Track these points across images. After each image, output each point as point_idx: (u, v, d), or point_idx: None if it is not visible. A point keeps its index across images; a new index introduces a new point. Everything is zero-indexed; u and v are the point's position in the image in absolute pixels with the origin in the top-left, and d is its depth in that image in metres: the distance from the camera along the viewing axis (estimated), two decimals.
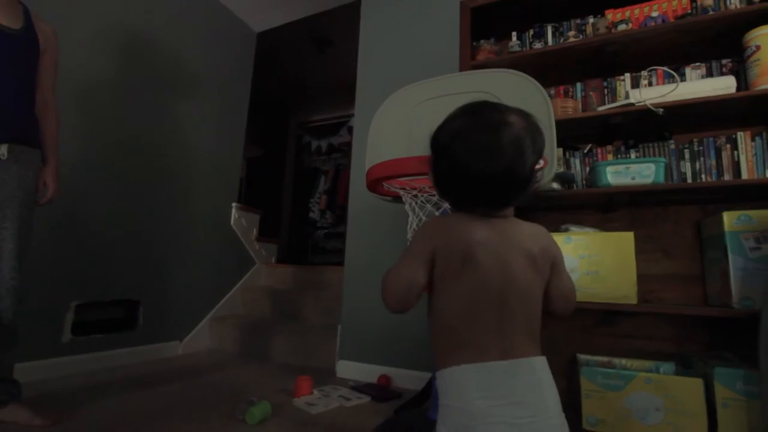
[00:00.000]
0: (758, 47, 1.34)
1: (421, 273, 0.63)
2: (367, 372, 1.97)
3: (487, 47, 1.75)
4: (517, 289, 0.60)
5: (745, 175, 1.40)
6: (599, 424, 1.26)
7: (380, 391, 1.73)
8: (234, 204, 2.94)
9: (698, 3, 1.51)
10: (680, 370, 1.33)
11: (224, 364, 2.22)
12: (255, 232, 3.15)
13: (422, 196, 1.19)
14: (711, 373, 1.19)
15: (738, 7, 1.45)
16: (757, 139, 1.40)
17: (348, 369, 2.03)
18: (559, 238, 1.42)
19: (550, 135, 1.14)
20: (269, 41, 3.39)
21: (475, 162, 0.60)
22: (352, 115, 5.07)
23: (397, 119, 1.32)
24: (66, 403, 1.44)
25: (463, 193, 0.64)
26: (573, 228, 1.47)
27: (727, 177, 1.43)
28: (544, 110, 1.16)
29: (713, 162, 1.45)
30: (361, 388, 1.78)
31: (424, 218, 1.16)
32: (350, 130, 5.18)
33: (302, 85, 4.79)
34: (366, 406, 1.58)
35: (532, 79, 1.18)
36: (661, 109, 1.36)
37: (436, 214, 1.19)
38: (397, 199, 1.36)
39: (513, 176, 0.59)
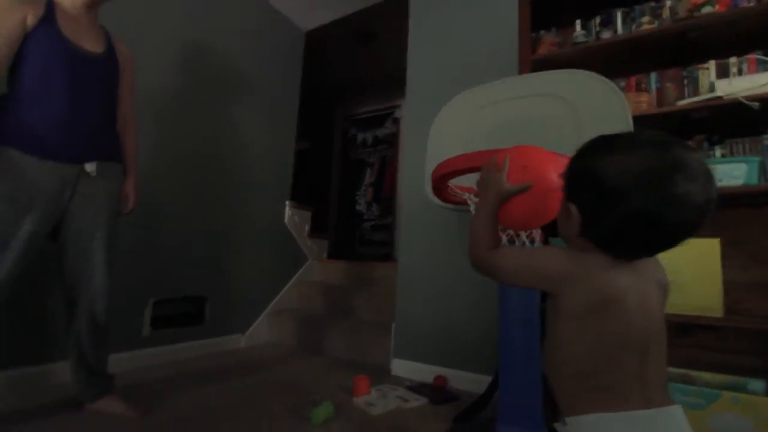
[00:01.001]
0: None
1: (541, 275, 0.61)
2: (422, 371, 1.98)
3: (548, 39, 1.65)
4: (656, 330, 0.58)
5: None
6: None
7: (437, 392, 1.74)
8: (287, 202, 3.04)
9: None
10: None
11: (284, 357, 2.33)
12: (307, 228, 3.25)
13: None
14: None
15: None
16: None
17: (402, 367, 2.06)
18: None
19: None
20: (315, 37, 3.43)
21: (670, 214, 0.50)
22: (397, 106, 5.10)
23: (458, 125, 1.29)
24: (149, 395, 1.59)
25: (634, 242, 0.55)
26: None
27: None
28: (620, 113, 1.08)
29: None
30: (417, 388, 1.80)
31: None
32: (395, 121, 5.16)
33: (347, 78, 4.82)
34: (424, 409, 1.60)
35: (604, 79, 1.10)
36: (757, 103, 1.22)
37: None
38: (462, 205, 1.33)
39: (701, 222, 0.52)
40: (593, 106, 1.10)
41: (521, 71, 1.61)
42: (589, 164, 0.56)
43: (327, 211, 4.96)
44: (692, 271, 1.26)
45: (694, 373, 1.32)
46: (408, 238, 2.20)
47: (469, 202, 1.13)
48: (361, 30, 3.69)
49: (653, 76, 1.55)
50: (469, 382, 1.83)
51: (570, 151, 1.14)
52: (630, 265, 0.57)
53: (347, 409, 1.54)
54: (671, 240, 0.53)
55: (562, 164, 0.70)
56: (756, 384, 1.23)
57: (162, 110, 2.17)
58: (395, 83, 4.78)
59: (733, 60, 1.43)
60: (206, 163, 2.41)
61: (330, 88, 5.06)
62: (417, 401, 1.65)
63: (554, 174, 0.68)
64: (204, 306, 2.38)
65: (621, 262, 0.56)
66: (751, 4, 1.32)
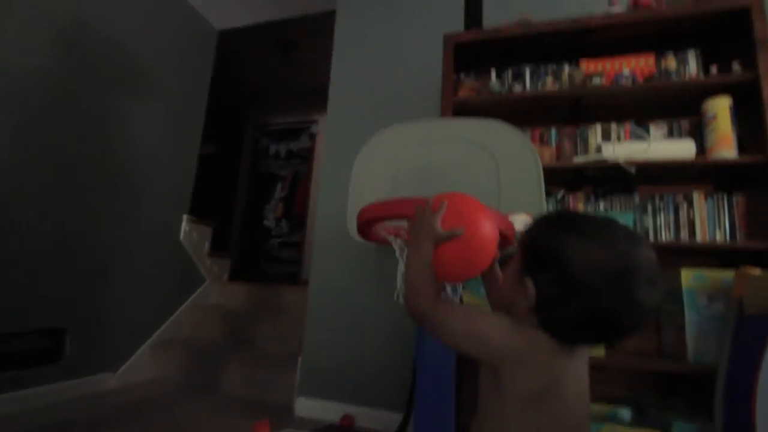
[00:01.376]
0: (715, 116, 1.45)
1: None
2: (328, 410, 1.87)
3: (468, 84, 1.75)
4: (587, 412, 0.59)
5: (698, 232, 1.51)
6: None
7: None
8: (185, 216, 2.70)
9: (663, 65, 1.61)
10: (637, 417, 1.40)
11: (168, 398, 2.01)
12: (207, 246, 2.92)
13: None
14: (668, 426, 1.25)
15: (696, 75, 1.56)
16: (709, 199, 1.51)
17: (307, 407, 1.93)
18: None
19: (539, 191, 1.15)
20: (231, 38, 3.18)
21: (630, 316, 0.51)
22: (315, 121, 4.99)
23: (383, 161, 1.26)
24: None
25: (586, 335, 0.54)
26: None
27: (684, 233, 1.52)
28: (533, 166, 1.16)
29: (671, 218, 1.55)
30: (323, 431, 1.68)
31: None
32: (312, 136, 5.04)
33: (263, 85, 4.57)
34: None
35: (523, 136, 1.17)
36: (633, 168, 1.42)
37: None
38: (386, 244, 1.29)
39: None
40: (511, 157, 1.16)
41: (444, 111, 1.67)
42: (556, 244, 0.54)
43: (231, 227, 4.56)
44: None
45: None
46: (321, 262, 2.09)
47: (394, 245, 1.10)
48: (281, 38, 3.54)
49: (553, 130, 1.74)
50: (377, 420, 1.78)
51: (488, 199, 1.19)
52: (570, 348, 0.57)
53: None
54: (620, 337, 0.53)
55: (497, 217, 0.71)
56: (624, 412, 1.40)
57: (27, 100, 1.76)
58: (314, 97, 4.69)
59: (614, 126, 1.67)
60: (85, 165, 2.01)
61: (243, 94, 4.75)
62: None
63: (489, 225, 0.66)
64: (63, 339, 1.95)
65: (563, 346, 0.56)
66: (628, 84, 1.55)
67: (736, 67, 1.44)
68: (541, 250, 0.56)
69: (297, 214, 5.07)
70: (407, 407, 1.55)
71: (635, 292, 0.49)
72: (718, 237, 1.48)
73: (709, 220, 1.51)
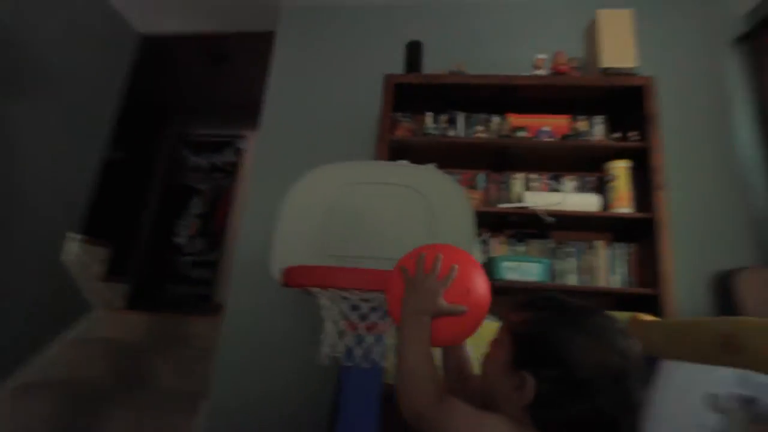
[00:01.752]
0: (616, 176, 1.65)
1: None
2: None
3: (405, 124, 1.78)
4: None
5: (599, 275, 1.67)
6: None
7: None
8: (74, 235, 2.32)
9: (576, 127, 1.80)
10: None
11: None
12: (99, 269, 2.53)
13: (351, 298, 1.04)
14: None
15: (602, 138, 1.77)
16: (609, 248, 1.70)
17: None
18: None
19: (471, 238, 1.17)
20: (157, 44, 2.90)
21: (627, 416, 0.49)
22: (242, 136, 4.73)
23: (316, 201, 1.19)
24: None
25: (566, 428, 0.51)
26: None
27: (587, 277, 1.68)
28: (466, 218, 1.18)
29: (578, 262, 1.70)
30: None
31: (343, 325, 1.02)
32: (238, 151, 4.77)
33: (187, 95, 4.24)
34: None
35: (460, 188, 1.20)
36: (551, 218, 1.54)
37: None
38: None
39: None
40: (446, 207, 1.18)
41: (379, 148, 1.67)
42: (561, 341, 0.51)
43: (134, 246, 4.03)
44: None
45: None
46: (239, 287, 1.92)
47: (321, 300, 1.01)
48: (214, 50, 3.33)
49: (481, 176, 1.83)
50: None
51: (421, 238, 1.19)
52: None
53: None
54: None
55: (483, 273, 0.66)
56: None
57: None
58: (243, 112, 4.45)
59: (533, 176, 1.81)
60: None
61: (166, 101, 4.35)
62: None
63: (487, 287, 0.63)
64: None
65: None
66: (548, 140, 1.71)
67: (633, 136, 1.66)
68: (542, 345, 0.52)
69: (215, 231, 4.70)
70: None
71: (632, 392, 0.49)
72: (615, 282, 1.66)
73: (608, 266, 1.68)
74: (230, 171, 4.96)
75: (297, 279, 0.82)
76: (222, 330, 1.87)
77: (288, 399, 1.74)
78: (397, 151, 1.76)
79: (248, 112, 4.49)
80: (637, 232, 1.67)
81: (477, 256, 1.15)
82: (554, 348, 0.51)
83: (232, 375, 1.80)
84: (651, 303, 1.49)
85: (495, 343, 0.58)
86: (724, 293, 1.70)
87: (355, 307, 0.98)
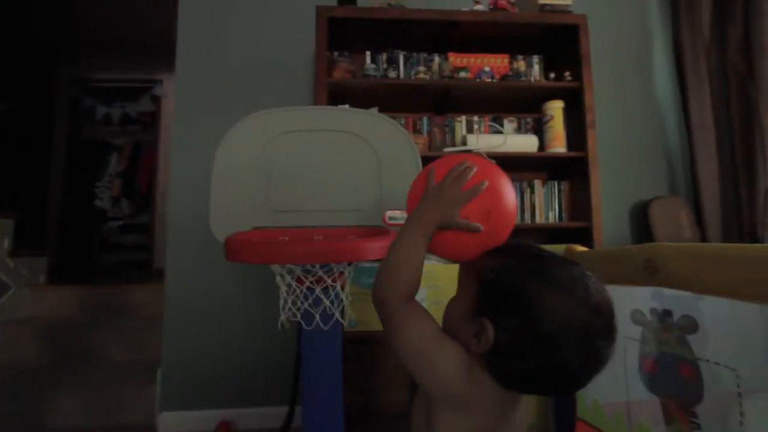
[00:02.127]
0: (552, 117, 1.70)
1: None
2: (202, 421, 1.67)
3: (343, 65, 1.66)
4: None
5: (537, 213, 1.78)
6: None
7: None
8: None
9: (515, 66, 1.80)
10: None
11: None
12: (7, 244, 2.22)
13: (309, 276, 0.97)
14: None
15: (539, 79, 1.79)
16: (545, 187, 1.79)
17: (175, 422, 1.68)
18: None
19: None
20: None
21: (586, 372, 0.47)
22: (158, 81, 4.18)
23: (252, 153, 1.10)
24: None
25: (538, 387, 0.49)
26: None
27: (527, 214, 1.78)
28: (413, 162, 1.16)
29: (519, 201, 1.78)
30: None
31: (303, 296, 0.97)
32: (155, 99, 4.25)
33: (80, 29, 3.57)
34: None
35: (405, 132, 1.16)
36: (493, 160, 1.57)
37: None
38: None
39: None
40: (392, 153, 1.14)
41: (318, 92, 1.55)
42: (529, 292, 0.47)
43: (44, 214, 3.55)
44: (451, 292, 1.53)
45: None
46: (177, 252, 1.79)
47: (277, 275, 0.94)
48: None
49: (425, 119, 1.79)
50: (261, 419, 1.67)
51: (370, 196, 1.16)
52: (515, 396, 0.52)
53: None
54: (576, 390, 0.51)
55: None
56: None
57: None
58: (157, 53, 3.91)
59: (476, 118, 1.81)
60: None
61: (54, 39, 3.65)
62: None
63: (508, 214, 0.58)
64: None
65: (510, 393, 0.51)
66: (489, 80, 1.69)
67: (567, 76, 1.69)
68: (508, 295, 0.49)
69: (141, 191, 4.30)
70: (292, 399, 1.48)
71: (599, 347, 0.46)
72: (551, 218, 1.78)
73: (545, 203, 1.79)
74: (148, 122, 4.44)
75: (240, 255, 0.75)
76: (165, 296, 1.76)
77: (242, 360, 1.72)
78: (335, 94, 1.65)
79: (164, 53, 3.95)
80: (569, 170, 1.77)
81: None
82: (519, 297, 0.48)
83: (182, 341, 1.73)
84: (582, 235, 1.63)
85: (461, 286, 0.56)
86: (641, 221, 1.90)
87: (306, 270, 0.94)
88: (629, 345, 1.03)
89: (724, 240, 1.77)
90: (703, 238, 1.80)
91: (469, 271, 0.55)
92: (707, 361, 0.84)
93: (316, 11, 1.60)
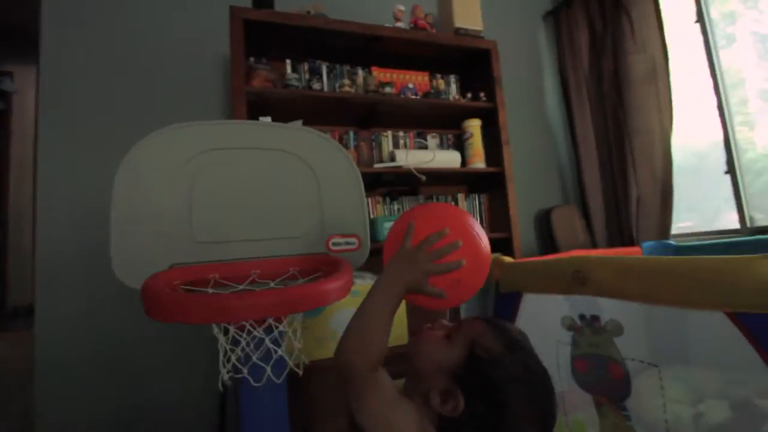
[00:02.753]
0: (471, 134, 1.80)
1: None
2: None
3: (263, 73, 1.52)
4: None
5: None
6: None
7: None
8: None
9: (435, 84, 1.86)
10: None
11: None
12: None
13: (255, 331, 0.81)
14: None
15: (457, 97, 1.88)
16: (468, 199, 1.89)
17: None
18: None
19: (363, 211, 1.10)
20: None
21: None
22: (7, 73, 3.38)
23: (168, 174, 0.92)
24: None
25: None
26: (357, 280, 1.50)
27: None
28: (355, 183, 1.10)
29: None
30: None
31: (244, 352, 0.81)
32: (4, 95, 3.45)
33: None
34: None
35: (343, 149, 1.09)
36: (424, 177, 1.59)
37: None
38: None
39: None
40: (331, 173, 1.06)
41: (235, 102, 1.39)
42: (508, 391, 0.51)
43: None
44: None
45: None
46: (49, 295, 1.43)
47: (217, 335, 0.76)
48: None
49: (351, 134, 1.74)
50: None
51: (311, 219, 1.06)
52: None
53: None
54: None
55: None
56: None
57: None
58: (7, 37, 3.19)
59: (401, 133, 1.82)
60: None
61: None
62: None
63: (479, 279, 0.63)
64: None
65: None
66: (413, 96, 1.72)
67: (482, 96, 1.80)
68: (491, 388, 0.51)
69: None
70: None
71: (550, 425, 0.53)
72: None
73: None
74: None
75: (173, 315, 0.60)
76: (37, 346, 1.38)
77: (151, 412, 1.45)
78: (254, 105, 1.51)
79: (12, 40, 3.21)
80: (487, 184, 1.89)
81: (366, 219, 1.09)
82: (498, 393, 0.51)
83: (63, 403, 1.38)
84: (502, 244, 1.74)
85: (445, 336, 0.57)
86: (544, 228, 2.12)
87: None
88: (561, 348, 1.12)
89: (608, 243, 2.07)
90: (593, 242, 2.08)
91: (465, 330, 0.56)
92: (632, 359, 0.94)
93: (230, 12, 1.44)
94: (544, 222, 2.11)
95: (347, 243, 1.04)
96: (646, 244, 1.60)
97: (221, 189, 0.97)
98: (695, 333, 0.86)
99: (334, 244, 1.02)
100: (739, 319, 0.72)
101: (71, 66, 1.53)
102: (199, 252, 0.93)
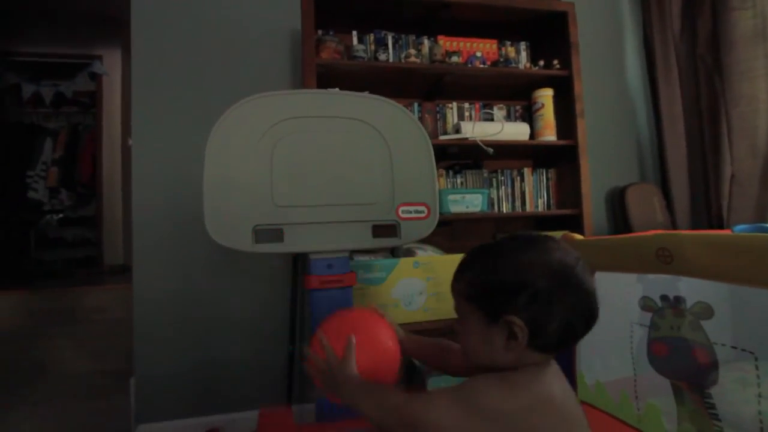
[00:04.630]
0: (543, 105, 1.70)
1: None
2: (185, 430, 1.54)
3: (332, 45, 1.54)
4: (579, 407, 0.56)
5: (527, 201, 1.79)
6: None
7: None
8: None
9: (504, 53, 1.77)
10: None
11: None
12: None
13: None
14: None
15: (528, 66, 1.77)
16: (534, 175, 1.81)
17: None
18: (408, 263, 1.45)
19: (432, 178, 1.11)
20: None
21: (593, 303, 0.54)
22: (97, 56, 3.73)
23: (252, 141, 0.98)
24: None
25: (571, 336, 0.54)
26: (418, 251, 1.53)
27: (518, 203, 1.78)
28: (424, 148, 1.10)
29: (509, 190, 1.78)
30: None
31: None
32: (94, 77, 3.81)
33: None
34: None
35: (414, 117, 1.09)
36: (491, 149, 1.55)
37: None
38: None
39: None
40: (402, 140, 1.07)
41: (306, 74, 1.43)
42: (507, 271, 0.53)
43: None
44: (448, 282, 1.50)
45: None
46: (145, 250, 1.59)
47: None
48: None
49: (416, 105, 1.73)
50: (250, 422, 1.56)
51: (382, 185, 1.08)
52: (551, 366, 0.55)
53: None
54: (591, 327, 0.55)
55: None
56: None
57: None
58: (97, 25, 3.50)
59: (467, 105, 1.77)
60: None
61: None
62: None
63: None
64: None
65: (547, 363, 0.54)
66: (481, 66, 1.65)
67: (556, 64, 1.69)
68: (499, 287, 0.53)
69: (83, 180, 3.88)
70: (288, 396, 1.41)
71: (584, 281, 0.53)
72: (540, 205, 1.80)
73: (534, 191, 1.81)
74: (86, 103, 4.00)
75: None
76: (134, 297, 1.58)
77: (226, 363, 1.60)
78: (322, 77, 1.54)
79: (102, 24, 3.52)
80: (556, 158, 1.79)
81: (436, 188, 1.09)
82: (509, 281, 0.52)
83: (155, 346, 1.57)
84: (570, 222, 1.66)
85: (460, 317, 0.58)
86: (617, 207, 1.98)
87: None
88: (636, 330, 1.06)
89: (692, 225, 1.89)
90: (673, 223, 1.92)
91: (457, 300, 0.59)
92: (723, 345, 0.88)
93: None
94: (617, 200, 1.97)
95: (417, 211, 1.05)
96: (739, 228, 1.44)
97: (299, 155, 1.01)
98: None
99: (403, 211, 1.04)
100: None
101: (158, 46, 1.65)
102: (278, 215, 1.00)
